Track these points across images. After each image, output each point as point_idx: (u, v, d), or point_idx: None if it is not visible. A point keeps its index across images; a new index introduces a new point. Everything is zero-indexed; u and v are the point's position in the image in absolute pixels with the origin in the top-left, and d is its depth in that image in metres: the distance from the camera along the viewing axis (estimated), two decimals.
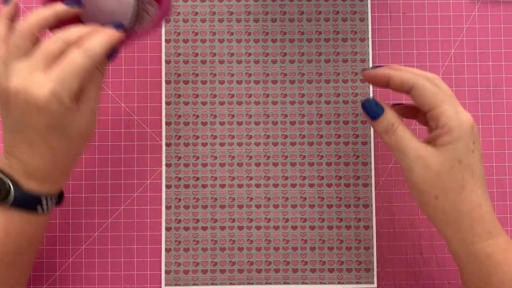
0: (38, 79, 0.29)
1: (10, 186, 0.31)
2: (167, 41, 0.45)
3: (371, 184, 0.44)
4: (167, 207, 0.44)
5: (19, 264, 0.33)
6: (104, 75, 0.33)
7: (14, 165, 0.31)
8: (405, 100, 0.45)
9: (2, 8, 0.33)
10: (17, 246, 0.32)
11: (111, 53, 0.32)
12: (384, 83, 0.34)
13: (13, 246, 0.32)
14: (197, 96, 0.45)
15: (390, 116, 0.32)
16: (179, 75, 0.45)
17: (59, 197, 0.35)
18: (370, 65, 0.45)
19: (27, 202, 0.32)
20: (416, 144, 0.31)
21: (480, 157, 0.31)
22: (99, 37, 0.30)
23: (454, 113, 0.30)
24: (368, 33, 0.45)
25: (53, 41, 0.30)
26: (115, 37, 0.31)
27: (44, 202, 0.33)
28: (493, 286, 0.31)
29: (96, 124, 0.34)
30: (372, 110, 0.32)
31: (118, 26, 0.32)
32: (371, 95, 0.45)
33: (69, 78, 0.29)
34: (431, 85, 0.31)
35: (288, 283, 0.43)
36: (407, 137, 0.31)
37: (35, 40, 0.31)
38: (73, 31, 0.31)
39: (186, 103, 0.44)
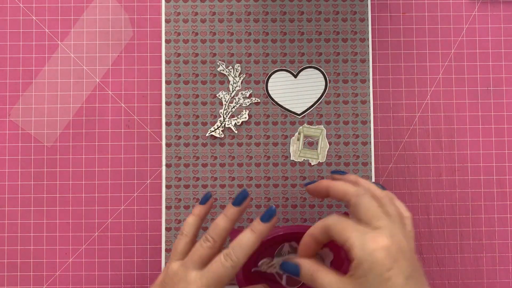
0: (192, 275, 0.33)
1: None
2: (167, 41, 0.45)
3: None
4: (167, 207, 0.44)
5: None
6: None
7: None
8: (405, 100, 0.45)
9: (197, 207, 0.37)
10: None
11: None
12: (324, 195, 0.35)
13: None
14: (197, 96, 0.45)
15: (307, 267, 0.32)
16: (179, 75, 0.45)
17: None
18: (370, 65, 0.45)
19: None
20: (333, 277, 0.30)
21: (404, 277, 0.29)
22: (244, 245, 0.33)
23: (361, 244, 0.29)
24: (368, 33, 0.45)
25: (202, 247, 0.34)
26: (262, 235, 0.34)
27: None
28: None
29: None
30: (292, 270, 0.33)
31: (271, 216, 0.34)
32: (371, 96, 0.45)
33: (212, 283, 0.33)
34: (340, 219, 0.31)
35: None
36: (324, 272, 0.31)
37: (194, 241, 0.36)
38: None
39: (186, 103, 0.44)
